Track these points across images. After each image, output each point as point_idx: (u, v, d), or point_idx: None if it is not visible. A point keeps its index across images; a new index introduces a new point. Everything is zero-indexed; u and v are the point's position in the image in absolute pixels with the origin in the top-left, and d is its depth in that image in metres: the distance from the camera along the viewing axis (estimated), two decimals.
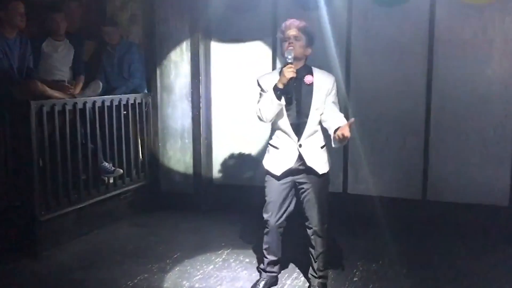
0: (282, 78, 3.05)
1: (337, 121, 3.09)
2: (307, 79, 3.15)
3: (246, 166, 5.41)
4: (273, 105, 3.07)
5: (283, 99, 3.08)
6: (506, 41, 4.52)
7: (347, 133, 2.93)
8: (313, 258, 3.36)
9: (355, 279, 3.69)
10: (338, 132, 2.96)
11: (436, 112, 4.76)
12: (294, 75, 3.03)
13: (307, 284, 3.50)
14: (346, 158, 5.03)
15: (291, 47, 3.07)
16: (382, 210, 4.85)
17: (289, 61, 3.05)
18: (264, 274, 3.48)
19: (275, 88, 3.06)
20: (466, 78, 4.65)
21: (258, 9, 5.16)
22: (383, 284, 3.60)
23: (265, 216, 3.33)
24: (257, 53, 5.22)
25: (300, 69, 3.15)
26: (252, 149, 5.38)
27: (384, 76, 4.87)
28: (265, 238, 3.39)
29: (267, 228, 3.34)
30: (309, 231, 3.32)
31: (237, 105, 5.36)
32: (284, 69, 3.05)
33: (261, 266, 3.53)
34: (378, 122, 4.92)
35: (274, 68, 5.09)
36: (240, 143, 5.42)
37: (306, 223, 3.33)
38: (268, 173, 3.30)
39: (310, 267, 3.41)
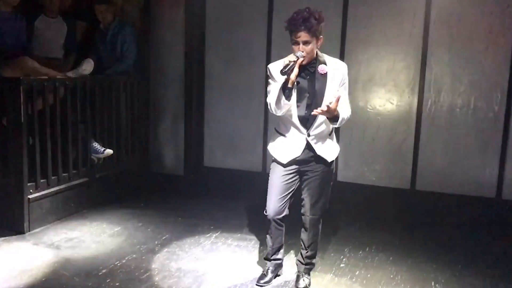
0: (290, 78, 2.91)
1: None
2: (321, 69, 3.06)
3: (237, 150, 5.42)
4: (283, 104, 2.97)
5: (293, 98, 3.00)
6: (500, 35, 4.52)
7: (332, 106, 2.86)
8: (304, 246, 3.36)
9: (341, 265, 3.73)
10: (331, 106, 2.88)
11: (427, 104, 4.78)
12: (296, 72, 2.90)
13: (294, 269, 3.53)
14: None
15: (303, 52, 2.94)
16: (371, 198, 4.91)
17: (299, 56, 2.91)
18: (269, 263, 3.43)
19: (284, 88, 2.94)
20: (459, 71, 4.67)
21: None
22: (370, 271, 3.63)
23: (266, 206, 3.26)
24: (252, 38, 5.19)
25: (313, 61, 3.05)
26: (243, 134, 5.37)
27: (377, 66, 4.88)
28: (267, 228, 3.33)
29: (267, 218, 3.27)
30: (304, 219, 3.29)
31: (230, 89, 5.34)
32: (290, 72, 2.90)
33: (266, 255, 3.46)
34: (369, 111, 4.93)
35: (268, 52, 5.07)
36: (232, 127, 5.41)
37: (302, 211, 3.29)
38: (274, 160, 3.24)
39: (299, 253, 3.42)
